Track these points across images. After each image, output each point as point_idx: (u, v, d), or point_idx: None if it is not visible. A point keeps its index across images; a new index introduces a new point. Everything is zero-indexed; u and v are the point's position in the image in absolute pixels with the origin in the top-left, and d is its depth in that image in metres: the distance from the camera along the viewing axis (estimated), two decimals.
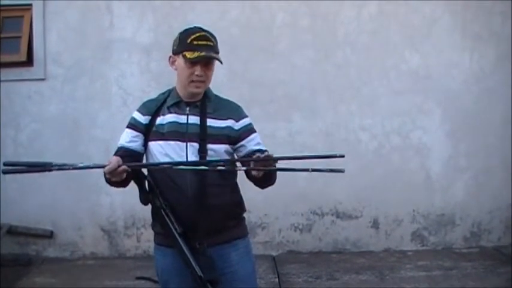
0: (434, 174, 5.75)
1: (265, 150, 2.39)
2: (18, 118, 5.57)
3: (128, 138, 2.47)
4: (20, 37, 5.61)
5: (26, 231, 5.52)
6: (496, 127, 5.71)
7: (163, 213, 2.35)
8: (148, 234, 5.60)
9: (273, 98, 5.55)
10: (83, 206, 5.58)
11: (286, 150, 5.49)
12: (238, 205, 2.55)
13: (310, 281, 4.90)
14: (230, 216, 2.49)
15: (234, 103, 2.57)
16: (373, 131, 5.70)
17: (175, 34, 2.53)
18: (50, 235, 5.57)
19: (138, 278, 4.91)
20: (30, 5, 5.54)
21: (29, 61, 5.58)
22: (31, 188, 5.50)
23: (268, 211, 5.60)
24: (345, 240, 5.71)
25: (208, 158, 2.38)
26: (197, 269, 2.28)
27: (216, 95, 2.55)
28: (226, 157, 2.45)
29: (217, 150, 2.41)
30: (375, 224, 5.72)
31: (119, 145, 2.48)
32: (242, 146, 2.47)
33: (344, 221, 5.70)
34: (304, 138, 5.62)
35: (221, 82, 4.83)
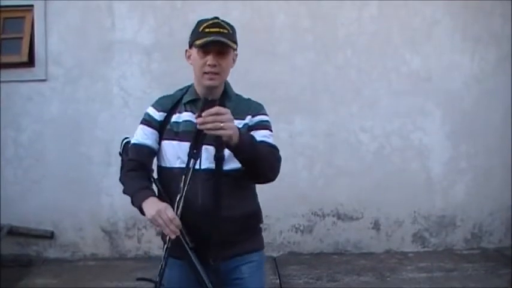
0: (435, 175, 5.75)
1: (270, 144, 2.23)
2: (19, 119, 5.56)
3: (144, 135, 2.30)
4: (21, 38, 5.61)
5: (26, 232, 5.51)
6: (496, 128, 5.71)
7: None
8: (149, 236, 5.61)
9: (273, 100, 5.52)
10: (84, 206, 5.57)
11: (287, 151, 5.50)
12: (254, 216, 2.36)
13: (311, 283, 4.90)
14: (244, 229, 2.30)
15: (256, 102, 2.41)
16: (374, 132, 5.70)
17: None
18: (50, 236, 5.57)
19: (138, 279, 4.85)
20: (32, 5, 5.54)
21: (30, 62, 5.59)
22: (32, 189, 5.51)
23: (269, 212, 5.58)
24: (345, 241, 5.71)
25: (224, 163, 2.18)
26: (210, 286, 2.15)
27: (237, 94, 2.41)
28: None
29: None
30: (376, 226, 5.72)
31: (135, 141, 2.32)
32: None
33: (345, 222, 5.70)
34: (305, 139, 5.62)
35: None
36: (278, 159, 2.25)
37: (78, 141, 5.57)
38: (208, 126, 1.96)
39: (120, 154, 2.42)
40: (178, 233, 2.09)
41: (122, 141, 2.42)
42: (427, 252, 5.68)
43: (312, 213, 5.69)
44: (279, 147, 2.30)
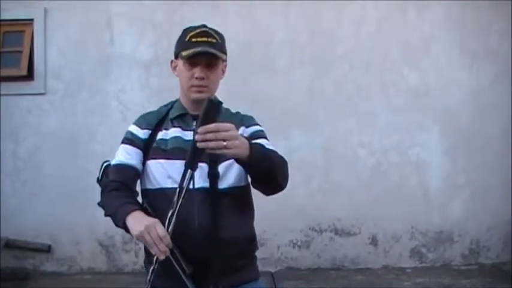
0: (433, 191, 5.75)
1: (274, 151, 2.04)
2: (18, 132, 5.57)
3: (127, 154, 2.09)
4: (20, 51, 5.64)
5: (24, 245, 5.50)
6: (494, 144, 5.72)
7: None
8: None
9: (271, 115, 5.53)
10: (81, 220, 5.55)
11: None
12: (251, 241, 2.13)
13: None
14: (242, 254, 2.08)
15: (246, 114, 2.26)
16: (372, 147, 5.71)
17: None
18: (47, 249, 5.56)
19: None
20: (32, 20, 5.58)
21: (29, 75, 5.61)
22: (30, 202, 5.49)
23: (267, 227, 5.57)
24: (343, 256, 5.70)
25: (220, 182, 1.97)
26: None
27: (226, 108, 2.17)
28: (240, 172, 2.03)
29: (230, 167, 2.02)
30: (374, 241, 5.71)
31: (116, 162, 2.10)
32: None
33: (342, 237, 5.69)
34: (303, 154, 5.62)
35: (220, 99, 4.84)
36: (286, 164, 2.08)
37: (76, 154, 5.57)
38: (211, 145, 1.73)
39: (98, 181, 2.19)
40: (168, 253, 1.83)
41: (102, 165, 2.19)
42: (425, 267, 5.66)
43: (310, 229, 5.68)
44: None
